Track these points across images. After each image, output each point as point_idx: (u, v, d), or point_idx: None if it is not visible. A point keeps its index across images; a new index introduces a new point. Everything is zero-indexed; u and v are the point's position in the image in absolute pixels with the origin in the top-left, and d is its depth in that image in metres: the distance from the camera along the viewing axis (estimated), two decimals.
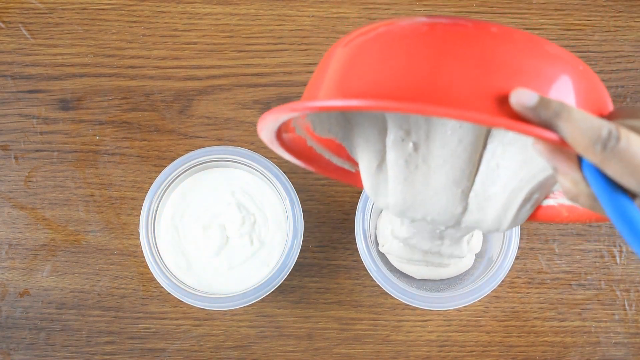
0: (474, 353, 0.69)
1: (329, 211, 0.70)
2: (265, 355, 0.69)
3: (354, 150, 0.47)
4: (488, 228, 0.48)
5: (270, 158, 0.65)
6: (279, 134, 0.42)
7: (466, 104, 0.33)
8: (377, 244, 0.67)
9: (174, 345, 0.68)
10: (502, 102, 0.33)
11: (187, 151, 0.66)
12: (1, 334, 0.68)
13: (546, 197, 0.46)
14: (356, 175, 0.49)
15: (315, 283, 0.69)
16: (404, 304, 0.62)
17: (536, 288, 0.69)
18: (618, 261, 0.70)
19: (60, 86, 0.71)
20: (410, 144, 0.45)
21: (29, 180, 0.70)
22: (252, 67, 0.72)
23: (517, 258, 0.63)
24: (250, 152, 0.64)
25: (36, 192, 0.70)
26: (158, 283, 0.64)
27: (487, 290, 0.61)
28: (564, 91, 0.35)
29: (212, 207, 0.65)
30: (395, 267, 0.67)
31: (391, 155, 0.46)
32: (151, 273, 0.65)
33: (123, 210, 0.70)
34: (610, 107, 0.37)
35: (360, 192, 0.64)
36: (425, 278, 0.66)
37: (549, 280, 0.69)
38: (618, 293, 0.69)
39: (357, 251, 0.63)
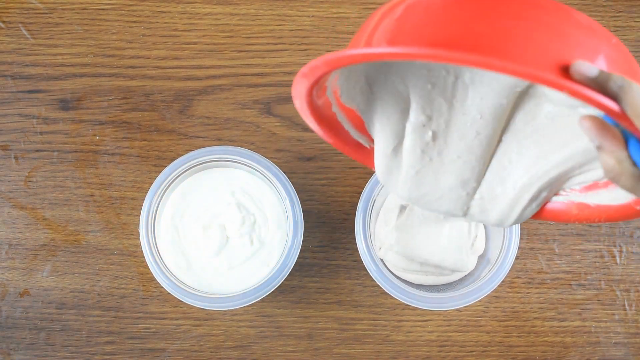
0: (474, 353, 0.69)
1: (329, 211, 0.70)
2: (265, 355, 0.69)
3: (372, 127, 0.47)
4: (491, 224, 0.48)
5: (270, 158, 0.65)
6: (310, 93, 0.41)
7: (525, 62, 0.32)
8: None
9: (174, 345, 0.68)
10: (555, 64, 0.33)
11: (187, 151, 0.66)
12: (1, 334, 0.68)
13: (556, 194, 0.46)
14: (369, 153, 0.49)
15: (315, 283, 0.69)
16: (404, 304, 0.62)
17: (536, 288, 0.69)
18: (618, 261, 0.70)
19: (60, 86, 0.71)
20: (430, 132, 0.45)
21: (29, 180, 0.70)
22: (252, 67, 0.72)
23: (517, 258, 0.63)
24: (250, 152, 0.64)
25: (36, 192, 0.70)
26: (158, 283, 0.64)
27: (487, 291, 0.61)
28: (606, 61, 0.35)
29: (212, 207, 0.65)
30: None
31: (409, 141, 0.45)
32: (151, 273, 0.65)
33: (123, 210, 0.70)
34: None
35: (360, 192, 0.64)
36: (423, 284, 0.66)
37: (549, 280, 0.69)
38: (618, 293, 0.69)
39: (357, 251, 0.63)
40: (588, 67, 0.32)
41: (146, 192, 0.64)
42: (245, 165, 0.65)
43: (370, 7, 0.72)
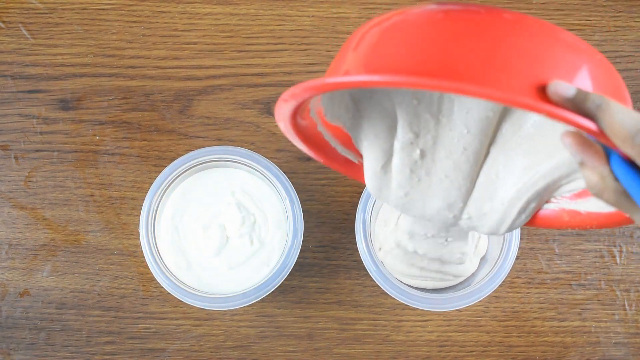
0: (474, 353, 0.69)
1: (329, 211, 0.70)
2: (265, 355, 0.69)
3: (360, 144, 0.47)
4: (482, 233, 0.49)
5: (270, 158, 0.65)
6: (295, 116, 0.42)
7: (499, 86, 0.32)
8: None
9: (174, 345, 0.68)
10: (532, 86, 0.33)
11: (187, 151, 0.66)
12: (1, 334, 0.68)
13: (547, 201, 0.46)
14: (359, 168, 0.49)
15: (315, 283, 0.69)
16: (404, 304, 0.62)
17: (536, 288, 0.69)
18: (618, 261, 0.70)
19: (60, 86, 0.71)
20: (418, 150, 0.45)
21: (29, 180, 0.70)
22: (252, 67, 0.72)
23: (517, 258, 0.63)
24: (250, 152, 0.64)
25: (36, 192, 0.70)
26: (158, 283, 0.64)
27: (488, 291, 0.61)
28: (585, 80, 0.35)
29: (212, 207, 0.65)
30: None
31: (397, 159, 0.46)
32: (151, 273, 0.65)
33: (123, 210, 0.70)
34: (626, 93, 0.37)
35: (361, 193, 0.64)
36: (424, 288, 0.66)
37: (549, 280, 0.69)
38: (618, 293, 0.69)
39: (357, 251, 0.63)
40: (565, 88, 0.32)
41: (146, 192, 0.64)
42: (245, 165, 0.65)
43: (370, 7, 0.72)
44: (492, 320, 0.69)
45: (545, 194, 0.44)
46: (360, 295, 0.69)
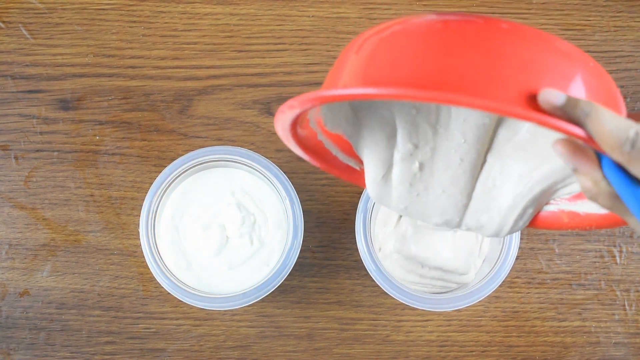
0: (474, 353, 0.69)
1: (329, 211, 0.70)
2: (265, 355, 0.69)
3: (361, 152, 0.47)
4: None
5: (270, 158, 0.65)
6: (294, 127, 0.43)
7: (489, 96, 0.33)
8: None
9: (174, 345, 0.68)
10: (522, 95, 0.33)
11: (187, 151, 0.66)
12: (1, 334, 0.68)
13: (546, 203, 0.46)
14: (360, 174, 0.50)
15: (315, 283, 0.69)
16: (404, 304, 0.62)
17: (536, 288, 0.69)
18: (618, 261, 0.70)
19: (60, 86, 0.71)
20: (417, 163, 0.46)
21: (29, 180, 0.70)
22: (252, 67, 0.72)
23: (517, 258, 0.63)
24: (250, 152, 0.64)
25: (36, 192, 0.70)
26: (158, 283, 0.64)
27: (488, 292, 0.61)
28: (578, 88, 0.35)
29: (212, 207, 0.65)
30: None
31: (397, 171, 0.46)
32: (151, 273, 0.65)
33: (123, 210, 0.70)
34: (620, 100, 0.38)
35: (361, 193, 0.64)
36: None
37: (549, 280, 0.69)
38: (618, 293, 0.69)
39: (357, 251, 0.63)
40: (555, 95, 0.33)
41: (146, 192, 0.64)
42: (245, 165, 0.65)
43: (370, 7, 0.72)
44: (492, 320, 0.69)
45: (542, 199, 0.45)
46: (360, 295, 0.69)
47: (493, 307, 0.69)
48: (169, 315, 0.69)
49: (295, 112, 0.39)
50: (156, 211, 0.64)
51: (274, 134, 0.71)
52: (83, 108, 0.71)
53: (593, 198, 0.36)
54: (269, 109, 0.71)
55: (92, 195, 0.70)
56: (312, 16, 0.72)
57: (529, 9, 0.73)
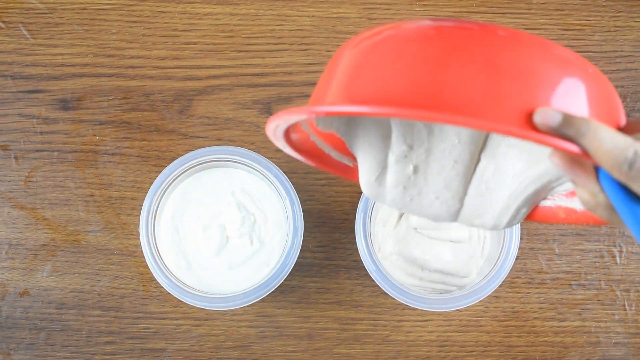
0: (474, 353, 0.69)
1: (329, 211, 0.70)
2: (265, 355, 0.69)
3: (355, 150, 0.47)
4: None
5: (270, 158, 0.65)
6: (287, 133, 0.43)
7: (484, 113, 0.33)
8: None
9: (174, 345, 0.68)
10: (518, 111, 0.33)
11: (187, 151, 0.66)
12: (1, 334, 0.68)
13: (544, 198, 0.46)
14: (354, 170, 0.50)
15: (315, 283, 0.69)
16: (404, 304, 0.62)
17: (536, 288, 0.69)
18: (618, 261, 0.70)
19: (60, 86, 0.71)
20: (411, 166, 0.46)
21: (29, 180, 0.70)
22: (252, 67, 0.72)
23: (517, 258, 0.63)
24: (250, 152, 0.64)
25: (36, 192, 0.70)
26: (158, 283, 0.64)
27: (488, 292, 0.61)
28: (576, 99, 0.35)
29: (212, 207, 0.65)
30: None
31: (391, 175, 0.46)
32: (151, 273, 0.65)
33: (123, 210, 0.70)
34: (619, 106, 0.37)
35: (361, 193, 0.64)
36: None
37: (549, 280, 0.69)
38: (618, 293, 0.69)
39: (357, 251, 0.63)
40: (551, 116, 0.33)
41: (146, 192, 0.64)
42: (245, 165, 0.65)
43: (370, 7, 0.72)
44: (492, 320, 0.69)
45: (536, 199, 0.45)
46: (360, 295, 0.69)
47: (493, 307, 0.69)
48: (169, 315, 0.69)
49: (287, 123, 0.39)
50: (156, 211, 0.64)
51: None
52: (83, 108, 0.71)
53: (591, 210, 0.36)
54: (269, 109, 0.71)
55: (92, 195, 0.70)
56: (312, 16, 0.72)
57: (529, 9, 0.73)
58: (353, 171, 0.50)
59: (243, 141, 0.71)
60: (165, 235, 0.65)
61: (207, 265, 0.64)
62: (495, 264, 0.62)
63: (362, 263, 0.63)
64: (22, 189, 0.70)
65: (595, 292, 0.69)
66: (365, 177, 0.47)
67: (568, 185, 0.44)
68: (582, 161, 0.35)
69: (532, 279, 0.69)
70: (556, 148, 0.33)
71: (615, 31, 0.72)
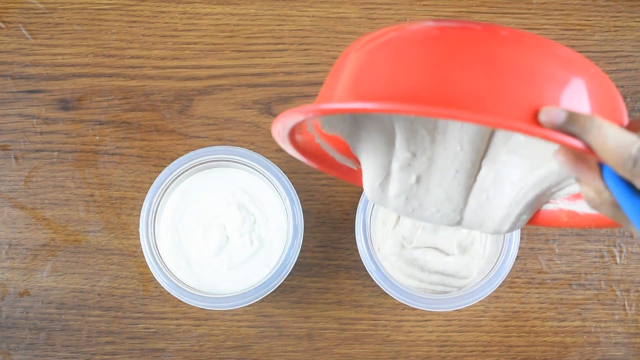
0: (474, 353, 0.69)
1: (329, 211, 0.70)
2: (265, 355, 0.69)
3: (359, 153, 0.47)
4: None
5: (270, 158, 0.65)
6: (292, 133, 0.43)
7: (490, 110, 0.33)
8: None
9: (174, 345, 0.68)
10: (523, 109, 0.33)
11: (187, 151, 0.66)
12: (1, 334, 0.68)
13: (545, 202, 0.46)
14: (358, 174, 0.50)
15: (315, 283, 0.69)
16: (404, 304, 0.62)
17: (536, 288, 0.69)
18: (618, 261, 0.70)
19: (60, 86, 0.71)
20: (414, 176, 0.46)
21: (29, 180, 0.70)
22: (252, 67, 0.72)
23: (517, 258, 0.63)
24: (250, 152, 0.64)
25: (36, 192, 0.70)
26: (158, 283, 0.64)
27: (488, 292, 0.61)
28: (579, 98, 0.35)
29: (212, 207, 0.65)
30: None
31: (395, 183, 0.46)
32: (151, 273, 0.65)
33: (123, 210, 0.70)
34: (622, 105, 0.37)
35: (361, 193, 0.64)
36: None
37: (549, 280, 0.69)
38: (618, 293, 0.69)
39: (357, 251, 0.63)
40: (556, 114, 0.33)
41: (146, 192, 0.64)
42: (245, 165, 0.65)
43: (370, 7, 0.72)
44: (492, 320, 0.69)
45: (536, 205, 0.45)
46: (360, 295, 0.69)
47: (493, 307, 0.69)
48: (169, 315, 0.69)
49: (293, 122, 0.39)
50: (156, 211, 0.64)
51: None
52: (83, 108, 0.71)
53: (596, 207, 0.36)
54: (269, 109, 0.71)
55: (92, 195, 0.70)
56: (312, 16, 0.72)
57: (529, 9, 0.73)
58: (357, 174, 0.50)
59: (243, 141, 0.71)
60: (165, 235, 0.65)
61: (207, 265, 0.64)
62: (495, 264, 0.62)
63: (362, 263, 0.63)
64: (22, 189, 0.70)
65: (595, 292, 0.69)
66: (369, 183, 0.47)
67: (568, 190, 0.44)
68: (586, 158, 0.35)
69: (532, 279, 0.69)
70: (561, 144, 0.33)
71: (615, 31, 0.72)
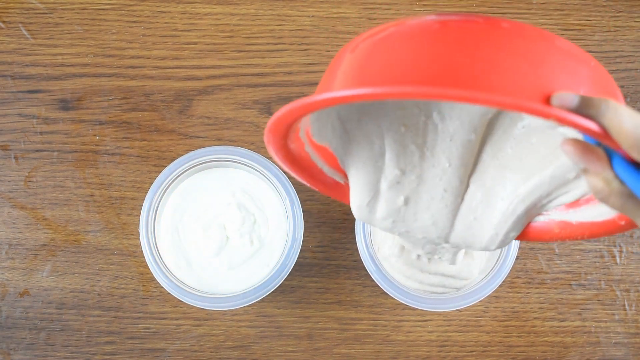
0: (474, 353, 0.69)
1: (329, 211, 0.70)
2: (265, 355, 0.69)
3: (347, 167, 0.47)
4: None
5: (270, 158, 0.65)
6: (285, 137, 0.42)
7: (503, 92, 0.32)
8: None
9: (174, 345, 0.68)
10: (535, 94, 0.32)
11: (187, 151, 0.66)
12: (1, 334, 0.68)
13: (537, 215, 0.46)
14: (345, 189, 0.49)
15: (315, 283, 0.69)
16: (404, 304, 0.62)
17: (536, 288, 0.69)
18: (618, 261, 0.70)
19: (60, 86, 0.71)
20: (402, 198, 0.46)
21: (29, 180, 0.70)
22: (252, 67, 0.72)
23: (517, 258, 0.63)
24: (250, 152, 0.64)
25: (36, 192, 0.70)
26: (158, 283, 0.64)
27: (488, 291, 0.61)
28: (585, 86, 0.34)
29: (212, 207, 0.65)
30: None
31: (382, 207, 0.46)
32: (151, 273, 0.65)
33: (123, 210, 0.70)
34: (621, 99, 0.37)
35: None
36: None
37: (549, 280, 0.69)
38: (618, 293, 0.69)
39: (357, 251, 0.63)
40: (568, 98, 0.32)
41: (146, 192, 0.64)
42: (245, 165, 0.65)
43: (370, 7, 0.72)
44: (492, 320, 0.69)
45: (525, 219, 0.44)
46: (360, 295, 0.69)
47: (493, 307, 0.69)
48: (169, 315, 0.69)
49: (282, 115, 0.38)
50: (156, 211, 0.64)
51: None
52: (83, 108, 0.71)
53: (604, 199, 0.36)
54: (269, 109, 0.71)
55: (92, 195, 0.70)
56: (312, 16, 0.72)
57: (529, 9, 0.73)
58: (344, 190, 0.49)
59: (243, 141, 0.71)
60: (165, 235, 0.65)
61: (207, 265, 0.64)
62: (495, 264, 0.62)
63: (362, 263, 0.63)
64: (22, 189, 0.70)
65: (595, 292, 0.69)
66: (357, 201, 0.46)
67: (558, 201, 0.43)
68: (594, 148, 0.35)
69: (532, 279, 0.69)
70: (577, 127, 0.32)
71: (615, 31, 0.72)
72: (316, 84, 0.75)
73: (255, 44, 0.72)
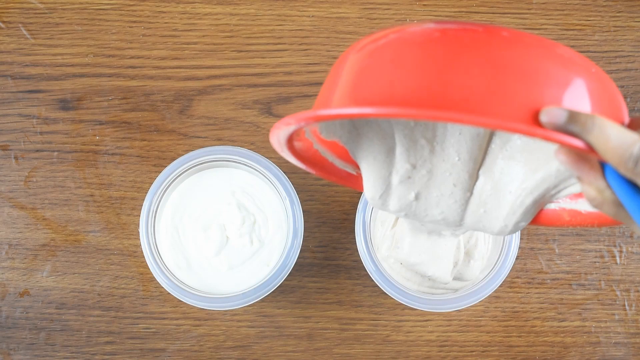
0: (474, 353, 0.69)
1: (329, 211, 0.70)
2: (265, 355, 0.69)
3: (359, 160, 0.47)
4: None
5: (270, 158, 0.65)
6: (290, 140, 0.43)
7: (490, 112, 0.33)
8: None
9: (174, 345, 0.68)
10: (524, 110, 0.33)
11: (187, 151, 0.66)
12: (1, 334, 0.68)
13: (545, 204, 0.46)
14: (358, 179, 0.50)
15: (315, 283, 0.69)
16: (404, 304, 0.62)
17: (536, 288, 0.69)
18: (618, 261, 0.70)
19: (60, 86, 0.71)
20: (413, 194, 0.46)
21: (29, 180, 0.70)
22: (252, 67, 0.72)
23: (517, 258, 0.63)
24: (250, 152, 0.64)
25: (36, 192, 0.70)
26: (158, 283, 0.64)
27: (488, 292, 0.61)
28: (580, 97, 0.35)
29: (212, 207, 0.65)
30: None
31: (394, 200, 0.46)
32: (151, 273, 0.65)
33: (123, 210, 0.70)
34: (622, 105, 0.37)
35: (361, 193, 0.64)
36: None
37: (549, 280, 0.69)
38: (618, 293, 0.69)
39: (357, 251, 0.63)
40: (557, 114, 0.33)
41: (146, 192, 0.64)
42: (245, 165, 0.65)
43: (370, 7, 0.72)
44: (492, 320, 0.69)
45: (534, 210, 0.45)
46: (360, 295, 0.69)
47: (493, 307, 0.69)
48: (169, 315, 0.69)
49: (291, 129, 0.39)
50: (156, 211, 0.64)
51: None
52: (83, 108, 0.71)
53: (598, 206, 0.36)
54: (269, 109, 0.71)
55: (92, 195, 0.70)
56: (312, 16, 0.72)
57: (529, 9, 0.73)
58: (357, 179, 0.50)
59: (243, 141, 0.71)
60: (165, 235, 0.65)
61: (207, 265, 0.64)
62: (495, 264, 0.62)
63: (362, 263, 0.63)
64: (22, 189, 0.70)
65: (595, 292, 0.69)
66: (370, 193, 0.47)
67: (566, 192, 0.44)
68: (588, 157, 0.35)
69: (532, 279, 0.69)
70: (562, 144, 0.33)
71: (615, 31, 0.72)
72: (316, 84, 0.75)
73: (255, 44, 0.72)
